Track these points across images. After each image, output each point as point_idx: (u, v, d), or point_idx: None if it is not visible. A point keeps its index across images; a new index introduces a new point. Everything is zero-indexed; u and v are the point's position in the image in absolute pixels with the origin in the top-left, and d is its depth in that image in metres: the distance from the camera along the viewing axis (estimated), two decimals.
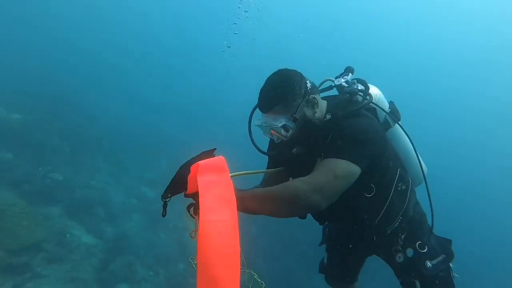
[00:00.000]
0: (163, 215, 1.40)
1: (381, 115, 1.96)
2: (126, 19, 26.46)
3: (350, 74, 1.94)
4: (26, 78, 12.26)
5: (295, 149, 1.80)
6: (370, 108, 1.88)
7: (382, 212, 1.84)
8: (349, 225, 2.01)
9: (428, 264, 1.93)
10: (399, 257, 1.98)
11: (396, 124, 1.98)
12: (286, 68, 1.80)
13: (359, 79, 1.95)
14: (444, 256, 1.98)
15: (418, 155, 1.99)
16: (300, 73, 1.80)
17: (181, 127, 15.19)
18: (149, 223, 8.72)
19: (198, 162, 1.33)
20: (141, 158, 11.90)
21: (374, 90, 1.96)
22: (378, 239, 2.03)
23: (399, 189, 1.88)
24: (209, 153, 1.41)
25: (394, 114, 1.96)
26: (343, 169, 1.53)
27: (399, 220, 1.93)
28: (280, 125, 1.69)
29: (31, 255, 5.43)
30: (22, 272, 5.01)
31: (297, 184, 1.44)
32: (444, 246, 2.02)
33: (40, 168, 7.56)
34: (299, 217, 1.87)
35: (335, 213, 1.84)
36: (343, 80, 1.92)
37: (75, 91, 13.26)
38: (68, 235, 6.30)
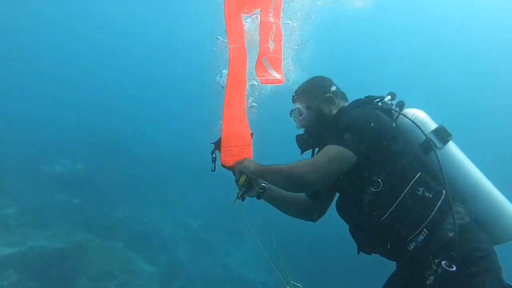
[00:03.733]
0: (213, 170, 2.03)
1: (419, 134, 1.87)
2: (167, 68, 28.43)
3: (389, 97, 2.01)
4: (84, 130, 14.23)
5: (304, 134, 2.09)
6: (389, 110, 1.93)
7: (391, 209, 1.73)
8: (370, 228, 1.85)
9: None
10: (430, 279, 1.72)
11: (451, 146, 1.88)
12: (321, 75, 2.18)
13: (399, 101, 1.99)
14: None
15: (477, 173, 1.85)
16: (330, 80, 2.13)
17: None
18: (196, 251, 9.85)
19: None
20: (184, 192, 13.21)
21: (412, 111, 1.95)
22: (405, 255, 1.80)
23: (418, 192, 1.74)
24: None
25: (439, 134, 1.87)
26: (335, 153, 1.76)
27: (424, 234, 1.72)
28: (295, 108, 2.12)
29: (106, 281, 6.68)
30: None
31: (298, 164, 1.80)
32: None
33: (104, 209, 9.00)
34: (310, 197, 2.19)
35: (347, 209, 1.95)
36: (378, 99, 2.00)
37: (124, 138, 15.07)
38: (132, 265, 7.54)
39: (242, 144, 2.04)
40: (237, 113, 2.07)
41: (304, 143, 2.09)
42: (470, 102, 23.80)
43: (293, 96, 2.15)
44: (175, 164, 15.12)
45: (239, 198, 1.99)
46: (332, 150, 1.76)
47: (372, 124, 1.79)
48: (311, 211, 2.23)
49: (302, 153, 2.12)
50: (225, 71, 2.15)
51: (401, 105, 1.97)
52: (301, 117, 2.08)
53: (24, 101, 17.56)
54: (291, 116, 2.16)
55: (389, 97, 1.99)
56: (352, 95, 2.13)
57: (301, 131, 2.13)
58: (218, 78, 2.17)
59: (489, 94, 23.26)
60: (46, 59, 24.47)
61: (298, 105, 2.10)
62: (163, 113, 22.31)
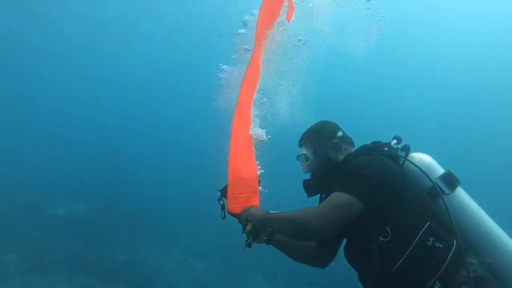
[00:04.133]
0: (223, 217, 1.98)
1: (426, 180, 1.85)
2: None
3: (395, 141, 2.00)
4: (86, 172, 14.21)
5: (311, 180, 2.09)
6: (395, 156, 1.92)
7: (401, 260, 1.69)
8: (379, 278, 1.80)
9: None
10: None
11: (459, 192, 1.85)
12: (327, 120, 2.20)
13: (405, 145, 1.99)
14: None
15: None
16: (336, 125, 2.14)
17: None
18: None
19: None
20: (187, 232, 12.92)
21: (419, 155, 1.94)
22: None
23: (428, 243, 1.70)
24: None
25: (446, 180, 1.84)
26: (342, 201, 1.73)
27: (437, 287, 1.66)
28: (302, 153, 2.09)
29: None
30: None
31: (305, 212, 1.77)
32: None
33: (106, 251, 8.79)
34: (318, 245, 2.13)
35: (355, 257, 1.91)
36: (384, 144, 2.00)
37: (127, 179, 15.02)
38: None
39: (249, 191, 2.02)
40: (243, 160, 2.07)
41: (311, 188, 2.10)
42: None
43: (300, 141, 2.16)
44: (177, 205, 14.95)
45: (248, 247, 1.93)
46: (339, 197, 1.74)
47: (379, 172, 1.78)
48: (319, 257, 2.20)
49: (308, 196, 2.11)
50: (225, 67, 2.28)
51: (406, 150, 1.96)
52: (307, 163, 2.08)
53: (24, 142, 17.67)
54: (298, 160, 2.16)
55: (395, 141, 1.99)
56: (357, 136, 2.13)
57: (308, 175, 2.13)
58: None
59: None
60: (46, 97, 24.83)
61: (304, 150, 2.10)
62: (166, 153, 22.38)
